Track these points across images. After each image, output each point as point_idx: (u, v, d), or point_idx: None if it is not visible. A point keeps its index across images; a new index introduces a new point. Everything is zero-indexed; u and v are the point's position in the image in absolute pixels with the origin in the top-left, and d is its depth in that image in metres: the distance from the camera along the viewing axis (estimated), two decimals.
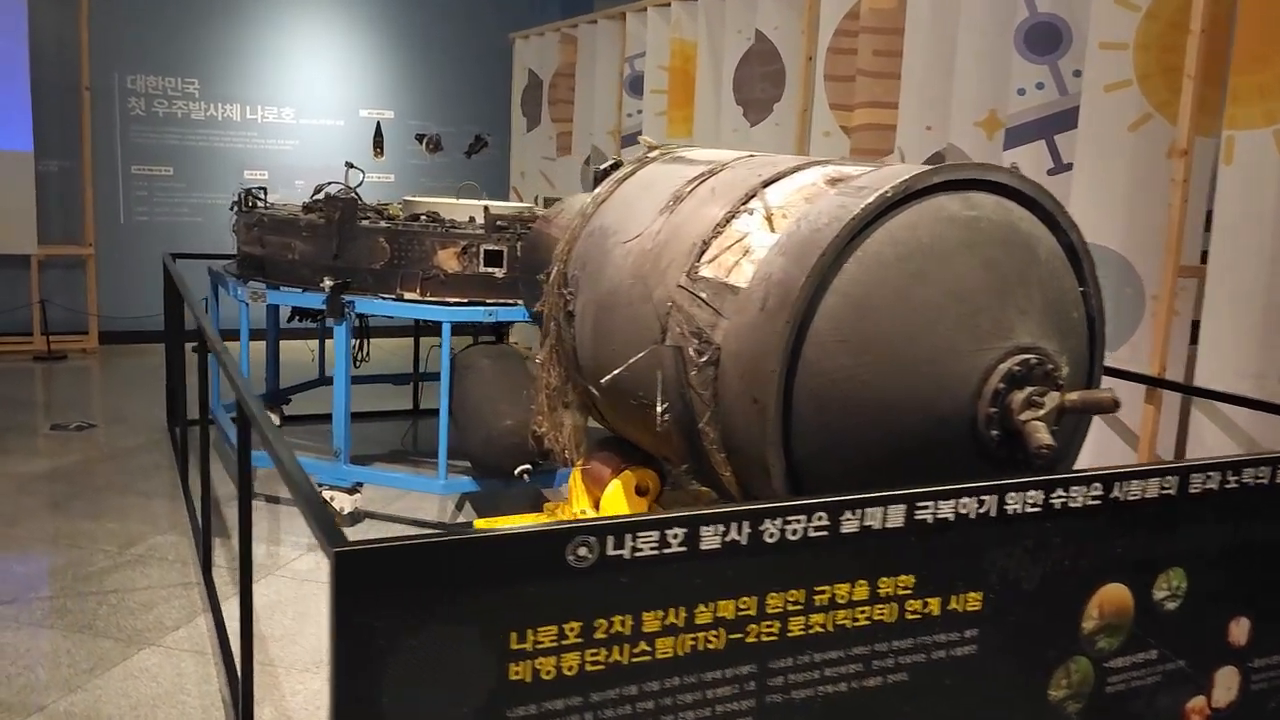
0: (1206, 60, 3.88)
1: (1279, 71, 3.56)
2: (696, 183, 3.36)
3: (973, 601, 2.39)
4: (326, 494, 4.88)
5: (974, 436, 2.64)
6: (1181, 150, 3.82)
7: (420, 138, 10.50)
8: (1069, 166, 4.38)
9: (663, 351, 3.04)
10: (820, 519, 2.13)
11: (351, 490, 4.91)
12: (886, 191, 2.69)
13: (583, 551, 1.83)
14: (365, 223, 4.88)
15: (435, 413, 7.37)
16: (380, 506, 5.20)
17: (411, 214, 5.05)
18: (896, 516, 2.22)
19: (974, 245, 2.71)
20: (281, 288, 5.01)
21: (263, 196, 5.48)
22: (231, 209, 5.61)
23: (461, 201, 5.57)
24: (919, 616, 2.30)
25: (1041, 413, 2.59)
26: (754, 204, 3.12)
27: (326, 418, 5.18)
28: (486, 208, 5.01)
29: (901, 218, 2.71)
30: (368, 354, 6.71)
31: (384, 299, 4.79)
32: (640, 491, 3.84)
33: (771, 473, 2.70)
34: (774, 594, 2.08)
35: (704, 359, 2.85)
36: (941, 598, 2.34)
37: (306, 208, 5.30)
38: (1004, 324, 2.67)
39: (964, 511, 2.27)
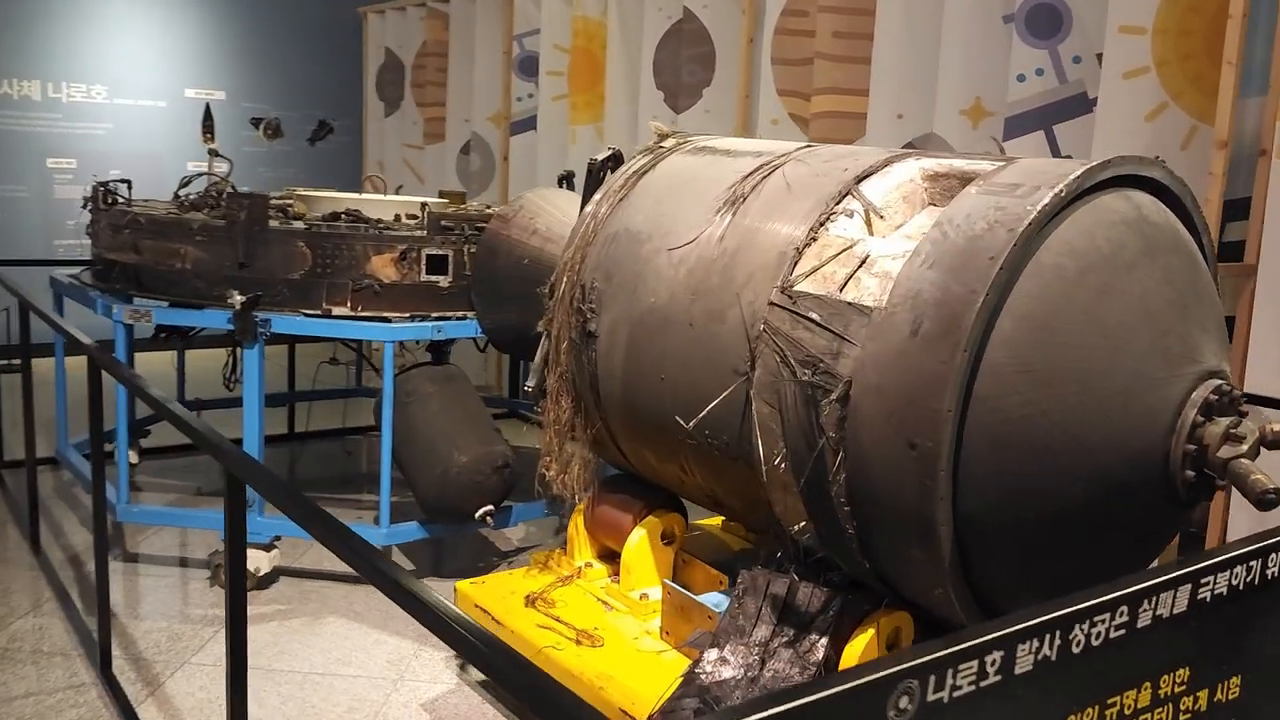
0: (1216, 47, 3.70)
1: None
2: (758, 178, 2.81)
3: (1233, 688, 2.01)
4: None
5: (1166, 478, 2.24)
6: (1222, 142, 3.60)
7: (256, 122, 9.33)
8: (1069, 160, 4.11)
9: (773, 385, 2.49)
10: (1122, 614, 1.69)
11: (269, 546, 4.07)
12: (1060, 190, 2.25)
13: (904, 703, 1.33)
14: (276, 224, 4.03)
15: (319, 437, 6.60)
16: (291, 559, 4.37)
17: (330, 213, 4.24)
18: (1182, 598, 1.81)
19: (1153, 253, 2.31)
20: (169, 304, 4.09)
21: (125, 193, 4.49)
22: (84, 207, 4.58)
23: (373, 198, 4.78)
24: (1190, 716, 1.91)
25: (1244, 448, 2.23)
26: (850, 204, 2.61)
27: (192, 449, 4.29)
28: (426, 205, 4.26)
29: (1072, 222, 2.27)
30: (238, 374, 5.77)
31: (308, 315, 3.97)
32: (665, 539, 3.27)
33: (938, 533, 2.21)
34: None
35: (834, 396, 2.31)
36: (1209, 689, 1.95)
37: (187, 205, 4.37)
38: (1190, 345, 2.28)
39: (1235, 583, 1.90)
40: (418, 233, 4.10)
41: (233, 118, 9.26)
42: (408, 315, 4.06)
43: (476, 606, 3.25)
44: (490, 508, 3.98)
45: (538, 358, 3.52)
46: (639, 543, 3.21)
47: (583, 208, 3.58)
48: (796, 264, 2.56)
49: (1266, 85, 3.67)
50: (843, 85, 4.99)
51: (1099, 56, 4.09)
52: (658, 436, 2.94)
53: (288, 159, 9.54)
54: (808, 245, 2.57)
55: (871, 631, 2.53)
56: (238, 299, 3.82)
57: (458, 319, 4.14)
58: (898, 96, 4.71)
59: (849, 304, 2.38)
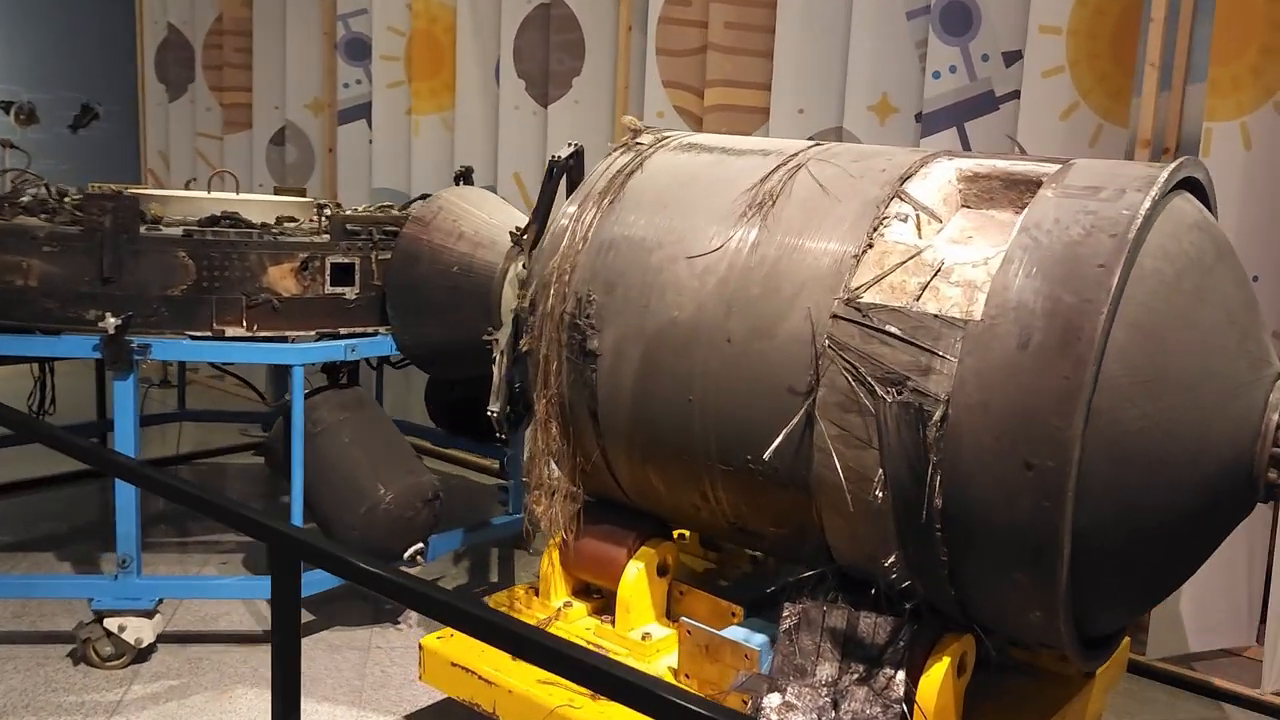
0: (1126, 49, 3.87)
1: (1250, 63, 3.57)
2: (779, 179, 2.61)
3: None
4: (114, 623, 3.37)
5: (1250, 481, 2.24)
6: (1145, 140, 3.75)
7: (6, 106, 8.13)
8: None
9: (845, 405, 2.29)
10: None
11: (151, 613, 3.44)
12: (1155, 193, 2.18)
13: None
14: (147, 231, 3.39)
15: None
16: (165, 619, 3.72)
17: (208, 217, 3.61)
18: None
19: (1222, 256, 2.31)
20: (9, 330, 3.35)
21: None
22: None
23: (239, 197, 4.17)
24: None
25: None
26: (900, 207, 2.46)
27: None
28: (323, 206, 3.73)
29: (1158, 226, 2.22)
30: (53, 399, 4.92)
31: (195, 338, 3.36)
32: (659, 571, 3.01)
33: (1054, 555, 2.10)
34: None
35: (936, 415, 2.15)
36: None
37: (12, 208, 3.60)
38: (1263, 346, 2.29)
39: None
40: (319, 238, 3.57)
41: None
42: (312, 333, 3.53)
43: (455, 666, 2.85)
44: (420, 545, 3.55)
45: (496, 378, 3.15)
46: (637, 577, 2.93)
47: (540, 208, 3.24)
48: (854, 273, 2.37)
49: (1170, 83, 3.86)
50: (735, 78, 4.86)
51: (1004, 55, 4.18)
52: (677, 462, 2.67)
53: (46, 149, 8.31)
54: (864, 252, 2.39)
55: (946, 660, 2.39)
56: (111, 322, 3.17)
57: (367, 335, 3.65)
58: (799, 91, 4.63)
59: (935, 316, 2.22)
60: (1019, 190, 2.45)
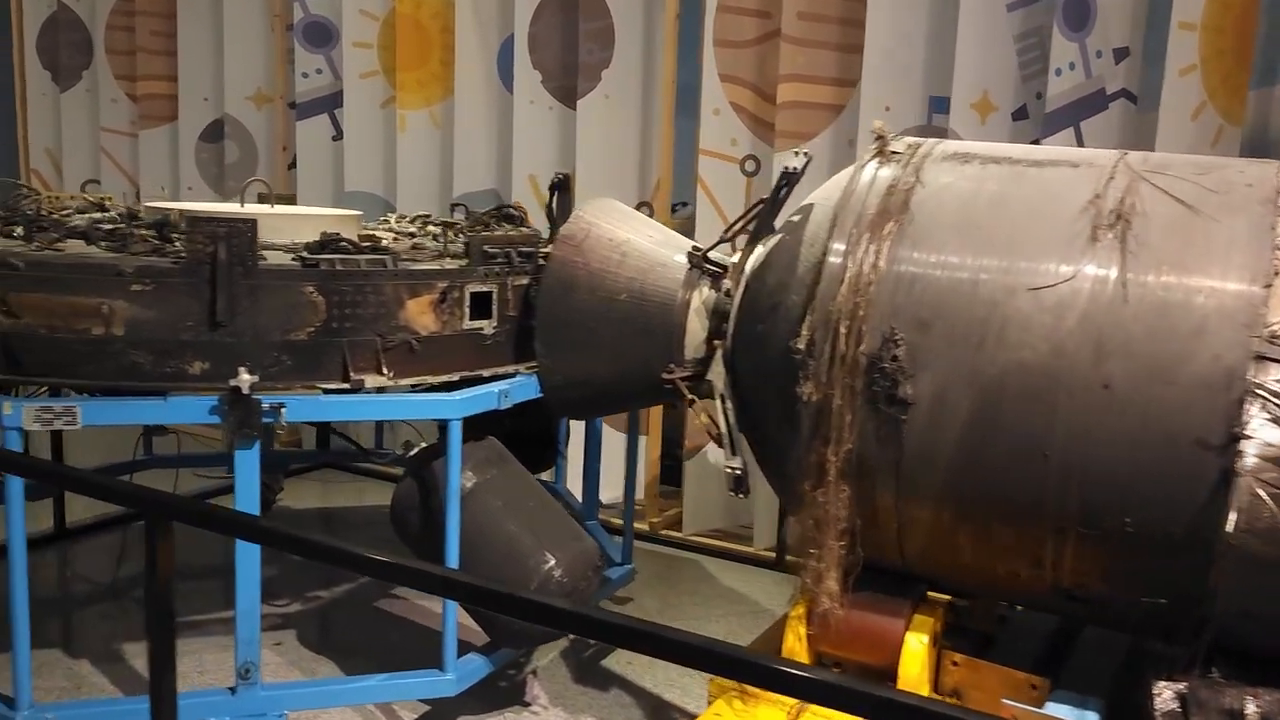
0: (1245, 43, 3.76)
1: None
2: (1118, 198, 2.29)
3: None
4: None
5: None
6: None
7: None
8: None
9: None
10: None
11: None
12: None
13: None
14: (269, 262, 2.71)
15: (87, 532, 4.75)
16: None
17: (320, 240, 2.94)
18: None
19: None
20: (92, 393, 2.61)
21: None
22: None
23: (281, 211, 3.48)
24: None
25: None
26: None
27: None
28: (451, 224, 3.12)
29: None
30: None
31: (331, 392, 2.72)
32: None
33: None
34: None
35: None
36: None
37: (62, 231, 2.83)
38: None
39: None
40: (449, 263, 2.98)
41: None
42: (455, 377, 2.95)
43: None
44: None
45: (723, 425, 2.69)
46: (919, 651, 2.55)
47: (764, 229, 2.79)
48: (1267, 306, 2.08)
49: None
50: (807, 73, 4.50)
51: (1114, 51, 4.01)
52: (1012, 524, 2.31)
53: None
54: (1274, 282, 2.09)
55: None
56: (246, 379, 2.50)
57: (509, 376, 3.09)
58: (887, 88, 4.32)
59: None
60: None
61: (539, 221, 4.11)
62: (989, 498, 2.31)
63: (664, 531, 4.95)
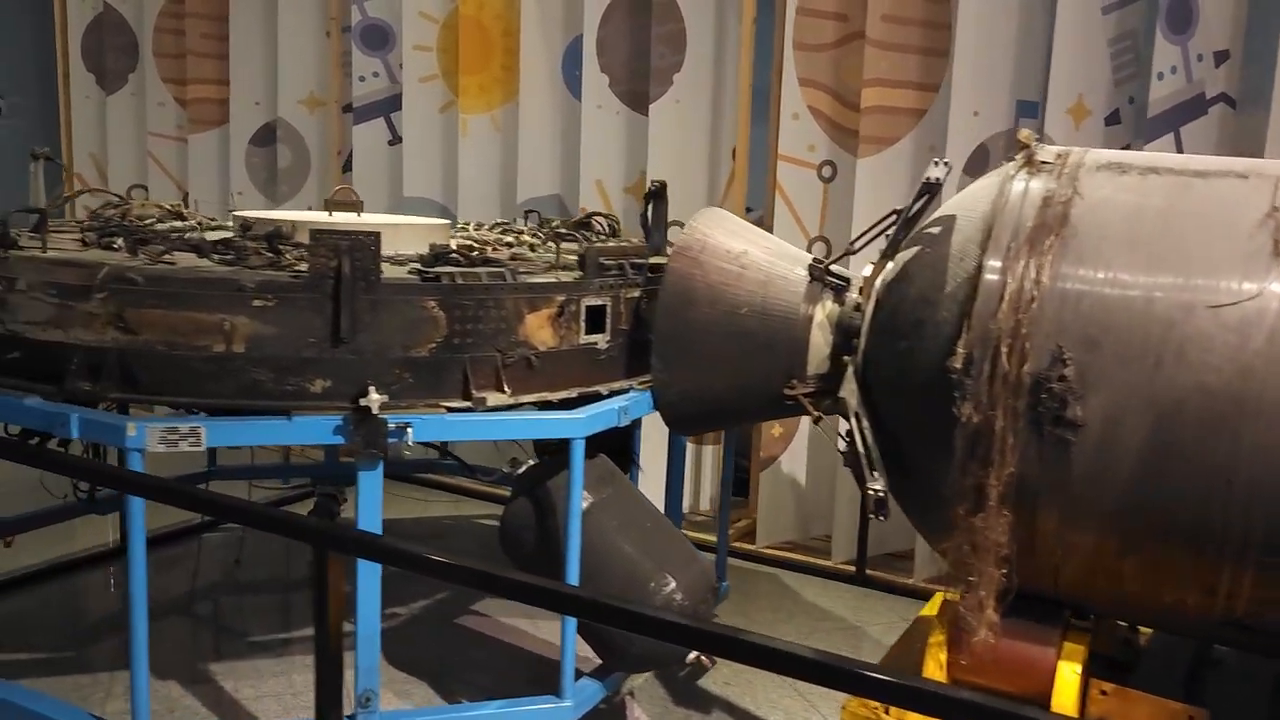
0: None
1: None
2: None
3: None
4: None
5: None
6: None
7: None
8: None
9: None
10: None
11: None
12: None
13: None
14: (389, 276, 2.62)
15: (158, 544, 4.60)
16: None
17: (434, 252, 2.85)
18: None
19: None
20: (212, 412, 2.52)
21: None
22: None
23: (385, 220, 3.39)
24: None
25: None
26: None
27: None
28: (558, 235, 3.03)
29: None
30: None
31: (455, 410, 2.63)
32: None
33: None
34: None
35: None
36: None
37: (172, 243, 2.74)
38: None
39: None
40: (573, 278, 2.89)
41: None
42: (573, 393, 2.86)
43: None
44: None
45: (861, 446, 2.60)
46: (1072, 680, 2.46)
47: (904, 238, 2.70)
48: None
49: None
50: (891, 77, 4.40)
51: (1215, 55, 3.92)
52: (1185, 552, 2.22)
53: None
54: None
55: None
56: (376, 398, 2.42)
57: (622, 391, 3.00)
58: (975, 92, 4.23)
59: None
60: None
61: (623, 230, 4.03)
62: (1163, 524, 2.21)
63: (735, 543, 4.86)
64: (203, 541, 4.48)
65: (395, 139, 5.70)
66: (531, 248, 3.42)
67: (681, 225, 3.53)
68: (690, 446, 4.70)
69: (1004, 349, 2.27)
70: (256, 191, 6.18)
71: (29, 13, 7.11)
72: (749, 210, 5.26)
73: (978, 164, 4.21)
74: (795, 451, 4.81)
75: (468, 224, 4.33)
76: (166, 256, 2.70)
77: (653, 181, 3.53)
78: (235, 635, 3.84)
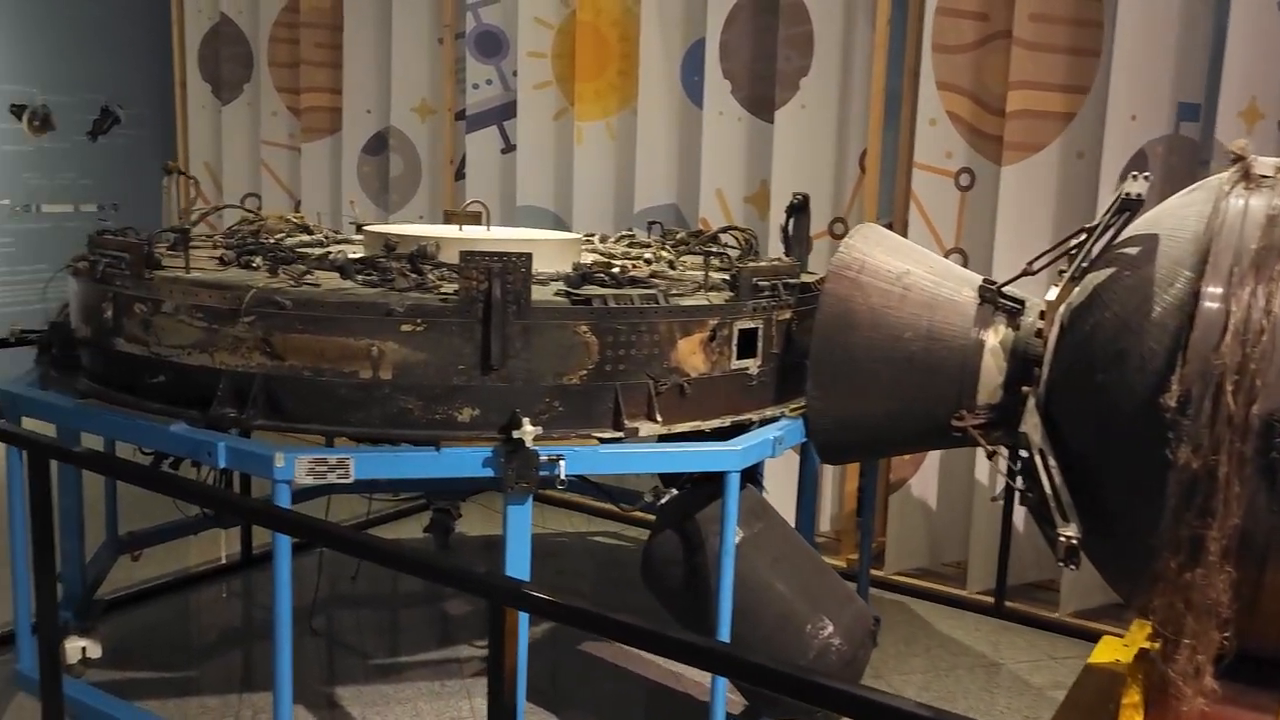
0: None
1: None
2: None
3: None
4: None
5: None
6: None
7: (19, 110, 6.87)
8: None
9: None
10: None
11: None
12: None
13: None
14: (541, 300, 2.49)
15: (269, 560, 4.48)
16: None
17: (578, 272, 2.72)
18: None
19: None
20: (360, 440, 2.42)
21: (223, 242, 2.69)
22: (78, 272, 2.67)
23: (516, 235, 3.28)
24: None
25: None
26: None
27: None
28: (712, 253, 2.88)
29: None
30: None
31: (607, 442, 2.49)
32: None
33: None
34: None
35: None
36: None
37: (335, 268, 2.66)
38: None
39: None
40: (727, 301, 2.73)
41: None
42: (725, 422, 2.70)
43: None
44: None
45: (1049, 487, 2.38)
46: None
47: (1085, 262, 2.47)
48: None
49: None
50: (1039, 79, 4.15)
51: None
52: None
53: (62, 159, 7.10)
54: None
55: None
56: (530, 429, 2.29)
57: (773, 420, 2.83)
58: (1133, 95, 3.95)
59: None
60: None
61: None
62: None
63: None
64: (322, 556, 4.43)
65: (508, 147, 5.62)
66: (671, 264, 3.27)
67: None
68: None
69: (1228, 386, 2.04)
70: (368, 200, 6.16)
71: (148, 25, 7.22)
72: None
73: (1136, 171, 3.93)
74: (926, 474, 4.58)
75: (592, 236, 4.20)
76: (308, 277, 2.61)
77: (795, 194, 3.36)
78: (355, 655, 3.77)
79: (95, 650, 3.37)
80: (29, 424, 2.78)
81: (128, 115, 7.32)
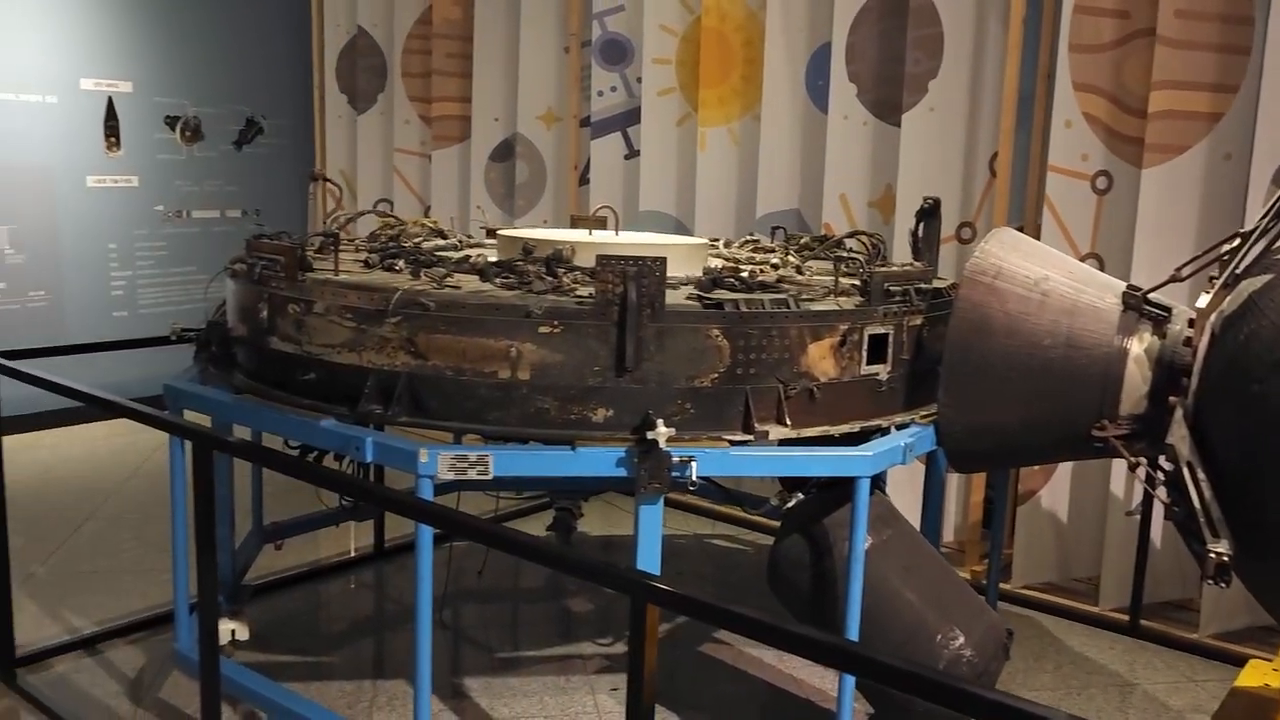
0: None
1: None
2: None
3: None
4: None
5: None
6: None
7: (172, 121, 7.30)
8: None
9: None
10: None
11: None
12: None
13: None
14: (672, 303, 2.54)
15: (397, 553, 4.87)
16: None
17: (709, 276, 2.76)
18: None
19: None
20: (501, 439, 2.51)
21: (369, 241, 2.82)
22: (237, 274, 2.84)
23: (641, 239, 3.33)
24: None
25: None
26: None
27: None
28: (842, 258, 2.89)
29: None
30: None
31: (737, 445, 2.52)
32: None
33: None
34: None
35: None
36: None
37: (475, 271, 2.77)
38: None
39: None
40: (844, 302, 2.73)
41: (143, 116, 7.14)
42: (855, 428, 2.69)
43: None
44: None
45: (1199, 501, 2.30)
46: None
47: (1238, 269, 2.39)
48: None
49: None
50: (1184, 79, 4.00)
51: None
52: None
53: (210, 167, 7.50)
54: None
55: None
56: (664, 431, 2.33)
57: (902, 426, 2.81)
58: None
59: None
60: None
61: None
62: None
63: (985, 580, 4.54)
64: (451, 550, 4.57)
65: (631, 153, 5.69)
66: (798, 269, 3.28)
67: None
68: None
69: None
70: (494, 205, 6.32)
71: (289, 40, 7.58)
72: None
73: None
74: (1057, 486, 4.45)
75: (716, 241, 4.23)
76: (449, 280, 2.71)
77: (926, 198, 3.32)
78: (481, 649, 3.88)
79: (244, 632, 3.56)
80: (188, 417, 2.97)
81: (270, 125, 7.70)
